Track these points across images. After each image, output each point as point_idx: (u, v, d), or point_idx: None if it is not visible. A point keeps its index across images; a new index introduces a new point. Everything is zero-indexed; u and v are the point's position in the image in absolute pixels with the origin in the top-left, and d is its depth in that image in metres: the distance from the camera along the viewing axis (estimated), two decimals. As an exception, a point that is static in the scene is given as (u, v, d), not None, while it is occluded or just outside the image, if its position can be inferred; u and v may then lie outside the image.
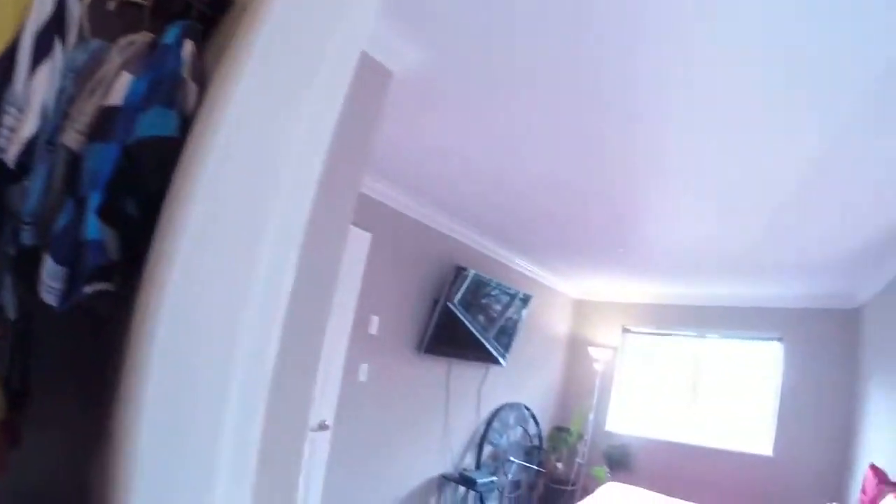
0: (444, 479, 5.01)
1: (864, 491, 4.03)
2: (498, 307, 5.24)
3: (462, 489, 5.21)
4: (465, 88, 2.49)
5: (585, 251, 5.23)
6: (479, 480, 4.82)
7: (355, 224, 3.74)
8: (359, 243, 3.82)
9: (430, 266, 4.58)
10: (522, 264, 5.95)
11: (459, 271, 4.56)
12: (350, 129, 1.95)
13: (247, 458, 0.97)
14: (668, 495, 5.20)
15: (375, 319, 4.07)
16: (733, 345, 6.73)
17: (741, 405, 6.65)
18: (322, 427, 3.62)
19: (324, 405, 3.66)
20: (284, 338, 1.22)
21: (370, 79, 2.11)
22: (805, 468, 5.82)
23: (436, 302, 4.53)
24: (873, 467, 4.11)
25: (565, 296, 7.32)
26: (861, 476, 4.49)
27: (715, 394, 6.78)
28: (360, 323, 3.91)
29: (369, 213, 3.93)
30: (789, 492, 5.81)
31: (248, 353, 0.97)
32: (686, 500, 5.14)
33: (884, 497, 3.32)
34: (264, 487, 1.55)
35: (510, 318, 5.48)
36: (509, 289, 5.32)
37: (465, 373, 5.23)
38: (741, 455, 6.28)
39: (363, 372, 4.03)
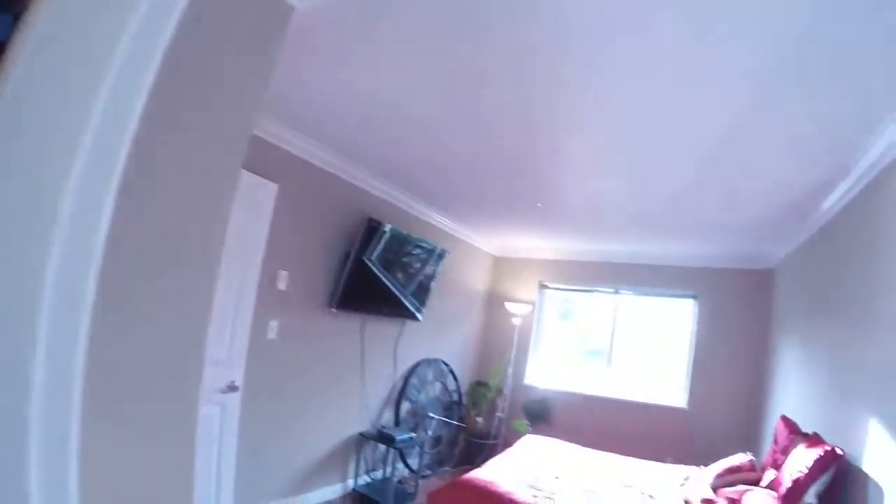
0: (363, 438, 4.96)
1: (775, 441, 4.23)
2: (415, 263, 5.18)
3: (382, 447, 5.21)
4: (374, 27, 2.35)
5: (503, 207, 5.21)
6: (398, 437, 4.80)
7: (261, 174, 3.57)
8: (264, 194, 3.65)
9: (341, 219, 4.43)
10: (440, 219, 5.89)
11: (373, 225, 4.44)
12: (239, 65, 1.80)
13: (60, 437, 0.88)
14: (587, 447, 5.35)
15: (284, 275, 3.92)
16: (649, 301, 6.97)
17: (657, 360, 6.94)
18: (231, 388, 3.48)
19: (233, 365, 3.52)
20: (161, 286, 1.11)
21: (266, 11, 1.95)
22: (718, 420, 6.14)
23: (347, 256, 4.40)
24: (784, 418, 4.31)
25: (484, 252, 7.35)
26: (773, 427, 4.73)
27: (631, 349, 7.03)
28: (267, 278, 3.76)
29: (276, 163, 3.75)
30: (704, 443, 6.09)
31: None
32: (605, 451, 5.32)
33: (795, 446, 3.49)
34: (149, 455, 1.45)
35: (427, 274, 5.43)
36: (426, 243, 5.26)
37: (381, 329, 5.16)
38: (657, 408, 6.55)
39: (273, 329, 3.89)
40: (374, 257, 4.54)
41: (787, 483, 3.07)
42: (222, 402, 3.46)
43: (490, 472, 3.89)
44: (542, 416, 6.87)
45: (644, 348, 7.03)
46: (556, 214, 5.19)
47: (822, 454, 2.86)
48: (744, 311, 6.15)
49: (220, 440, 3.48)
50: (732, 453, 4.63)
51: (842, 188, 3.37)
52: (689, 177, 3.66)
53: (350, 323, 4.71)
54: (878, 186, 2.90)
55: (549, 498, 3.53)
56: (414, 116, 3.29)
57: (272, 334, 3.89)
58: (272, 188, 3.70)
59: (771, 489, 3.55)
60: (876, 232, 2.87)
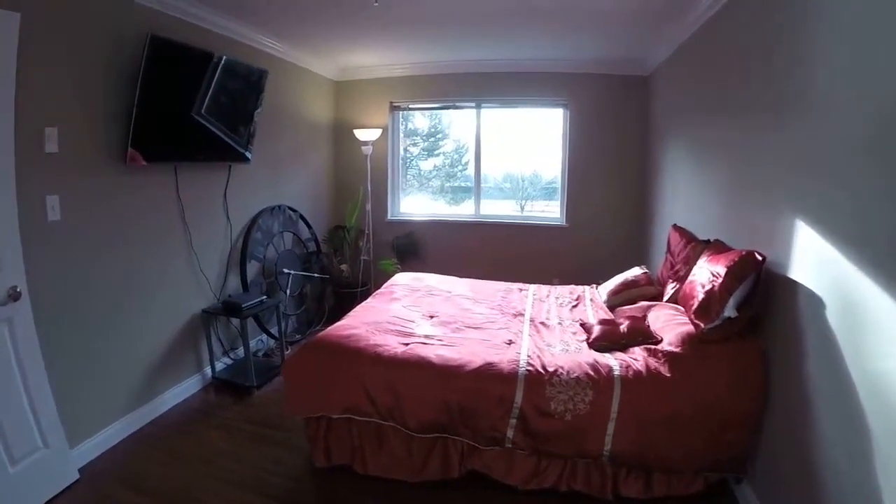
0: (208, 315, 4.57)
1: (669, 251, 4.28)
2: (226, 89, 4.44)
3: (236, 321, 4.87)
4: None
5: (331, 9, 4.50)
6: (245, 304, 4.44)
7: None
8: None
9: (117, 44, 3.59)
10: (253, 36, 5.09)
11: (158, 43, 3.64)
12: None
13: None
14: (465, 278, 5.26)
15: (53, 132, 3.16)
16: (515, 113, 6.86)
17: (528, 176, 7.05)
18: (13, 297, 2.87)
19: (5, 266, 2.88)
20: None
21: None
22: (601, 235, 6.38)
23: (134, 90, 3.61)
24: (676, 227, 4.37)
25: (321, 77, 6.70)
26: (662, 239, 4.82)
27: (500, 167, 7.09)
28: (28, 141, 3.02)
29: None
30: (589, 261, 6.32)
31: None
32: (484, 279, 5.25)
33: (698, 256, 3.46)
34: None
35: (247, 103, 4.77)
36: (237, 64, 4.53)
37: (201, 179, 4.56)
38: (535, 228, 6.61)
39: (53, 207, 3.20)
40: (167, 86, 3.82)
41: (698, 296, 3.03)
42: (7, 316, 2.87)
43: (351, 324, 3.66)
44: (411, 250, 6.76)
45: (513, 164, 7.08)
46: (399, 13, 4.56)
47: (738, 260, 2.79)
48: (619, 120, 6.22)
49: (20, 366, 2.94)
50: (620, 269, 4.73)
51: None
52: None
53: (158, 177, 4.06)
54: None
55: (425, 344, 3.36)
56: None
57: (54, 214, 3.22)
58: (11, 18, 2.86)
59: (675, 304, 3.56)
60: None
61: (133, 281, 3.87)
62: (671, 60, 5.07)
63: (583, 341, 3.45)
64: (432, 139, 7.39)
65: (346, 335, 3.42)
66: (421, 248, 6.82)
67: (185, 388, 4.41)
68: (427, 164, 7.45)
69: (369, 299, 4.53)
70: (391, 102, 6.93)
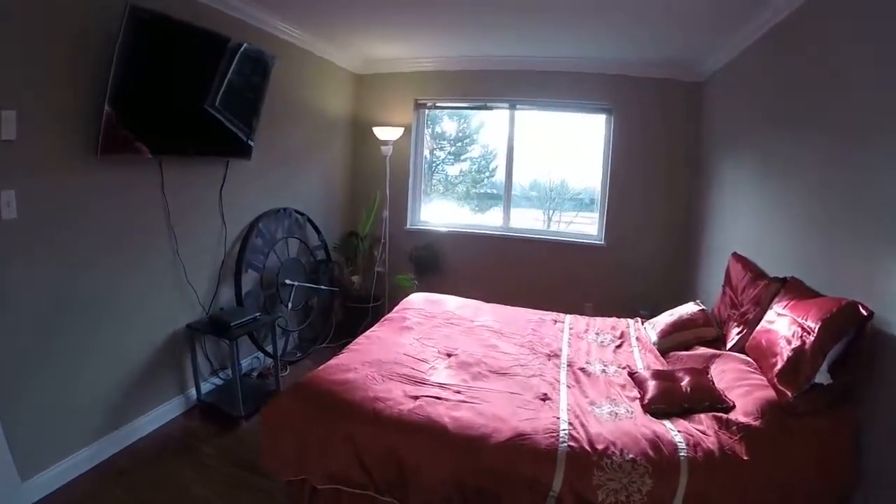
0: (192, 331, 4.08)
1: (729, 284, 3.76)
2: (225, 72, 3.91)
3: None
4: None
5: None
6: (234, 322, 3.94)
7: None
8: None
9: (85, 11, 3.06)
10: (272, 22, 4.63)
11: (140, 16, 3.07)
12: None
13: None
14: (485, 300, 4.77)
15: (10, 116, 2.68)
16: (554, 117, 6.32)
17: (564, 188, 6.58)
18: None
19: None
20: None
21: None
22: (643, 258, 5.85)
23: (110, 66, 3.03)
24: (738, 257, 3.87)
25: (342, 69, 6.19)
26: (714, 267, 4.43)
27: (528, 172, 6.58)
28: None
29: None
30: (628, 286, 5.84)
31: None
32: (507, 303, 4.74)
33: (772, 297, 2.96)
34: None
35: (251, 88, 4.24)
36: (246, 46, 4.00)
37: (192, 174, 4.04)
38: (568, 245, 6.08)
39: (8, 203, 2.72)
40: (151, 65, 3.29)
41: (782, 353, 2.50)
42: None
43: (349, 364, 3.11)
44: (430, 264, 6.23)
45: (549, 174, 6.59)
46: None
47: (835, 312, 2.26)
48: (667, 129, 5.68)
49: None
50: (664, 297, 4.22)
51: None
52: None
53: (139, 171, 3.56)
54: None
55: (439, 399, 2.79)
56: None
57: (9, 212, 2.75)
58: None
59: (742, 353, 3.05)
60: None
61: (105, 290, 3.39)
62: (734, 64, 4.54)
63: (634, 399, 2.88)
64: (459, 143, 6.91)
65: (341, 381, 2.86)
66: (441, 262, 6.29)
67: (164, 412, 3.94)
68: (454, 170, 6.98)
69: (377, 327, 3.99)
70: (416, 100, 6.41)
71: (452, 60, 6.00)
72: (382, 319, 4.18)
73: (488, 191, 6.81)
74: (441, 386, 2.93)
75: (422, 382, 2.97)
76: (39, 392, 2.99)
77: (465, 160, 6.93)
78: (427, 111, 6.57)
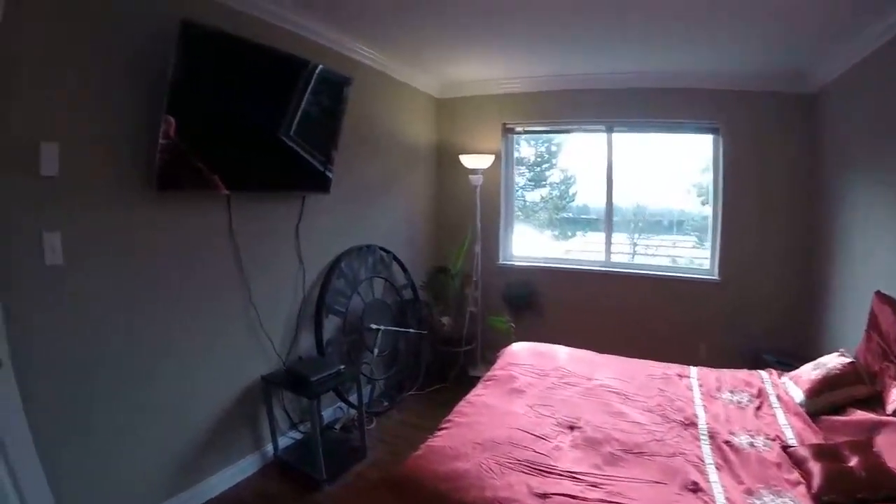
0: (267, 383, 3.72)
1: (877, 331, 3.13)
2: (295, 95, 3.58)
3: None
4: None
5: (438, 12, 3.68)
6: (315, 378, 3.54)
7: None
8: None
9: (138, 30, 2.77)
10: (347, 43, 4.34)
11: (193, 32, 2.74)
12: None
13: None
14: (588, 343, 4.28)
15: (51, 149, 2.42)
16: (655, 140, 5.74)
17: (670, 217, 6.04)
18: None
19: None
20: None
21: None
22: (762, 294, 5.14)
23: (172, 91, 2.74)
24: (885, 298, 3.23)
25: (421, 93, 5.85)
26: (850, 305, 3.89)
27: (634, 205, 5.99)
28: (16, 160, 2.30)
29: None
30: (745, 326, 5.13)
31: None
32: (613, 346, 4.25)
33: None
34: None
35: (332, 119, 3.94)
36: (329, 72, 3.73)
37: (265, 212, 3.74)
38: (680, 281, 5.49)
39: (53, 248, 2.45)
40: (215, 90, 2.99)
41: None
42: None
43: (456, 447, 2.59)
44: (525, 303, 5.71)
45: (652, 203, 5.97)
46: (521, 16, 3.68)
47: None
48: (780, 148, 4.99)
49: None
50: (787, 340, 3.60)
51: None
52: None
53: (202, 209, 3.26)
54: None
55: (573, 497, 2.21)
56: None
57: (54, 257, 2.47)
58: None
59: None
60: None
61: (169, 342, 3.09)
62: (855, 73, 3.94)
63: (796, 484, 2.27)
64: (538, 168, 6.45)
65: (450, 474, 2.35)
66: (537, 300, 5.76)
67: (239, 470, 3.59)
68: (533, 195, 6.51)
69: (481, 389, 3.45)
70: (504, 124, 5.97)
71: (541, 80, 5.55)
72: (486, 378, 3.66)
73: (570, 215, 6.38)
74: (572, 477, 2.36)
75: (548, 472, 2.40)
76: (92, 452, 2.69)
77: (544, 185, 6.48)
78: (514, 136, 6.13)
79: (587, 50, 4.56)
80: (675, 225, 5.98)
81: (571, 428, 2.85)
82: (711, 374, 3.70)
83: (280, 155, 3.59)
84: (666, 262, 5.85)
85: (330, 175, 4.05)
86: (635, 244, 6.00)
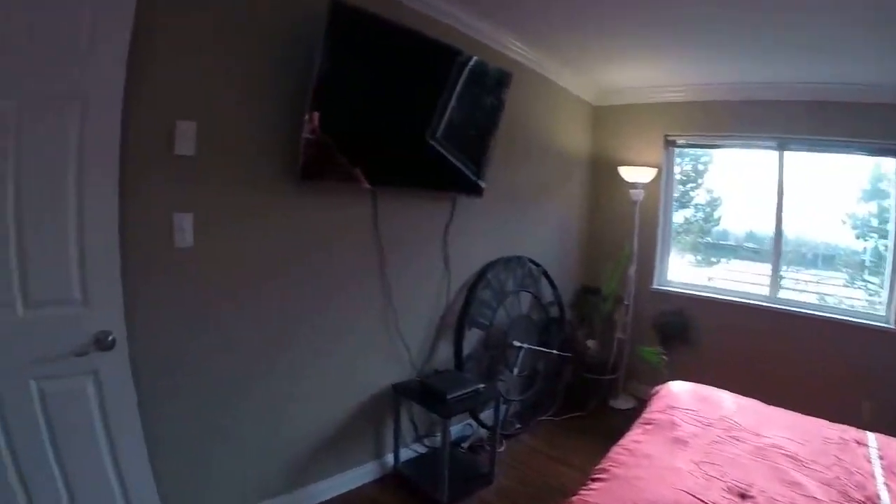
0: (398, 393, 3.54)
1: None
2: (448, 86, 3.38)
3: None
4: None
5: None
6: (452, 395, 3.30)
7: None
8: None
9: (284, 16, 2.68)
10: (500, 38, 4.08)
11: (342, 11, 2.59)
12: None
13: None
14: (746, 386, 3.76)
15: (188, 129, 2.34)
16: (831, 160, 4.94)
17: (815, 250, 5.29)
18: (101, 344, 2.05)
19: (93, 304, 2.07)
20: None
21: None
22: None
23: (318, 83, 2.62)
24: None
25: (577, 98, 5.46)
26: None
27: (806, 233, 5.27)
28: (151, 137, 2.23)
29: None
30: None
31: None
32: (770, 392, 3.70)
33: None
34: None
35: (482, 111, 3.68)
36: (483, 65, 3.51)
37: (412, 211, 3.58)
38: (845, 325, 4.68)
39: (183, 229, 2.38)
40: (361, 74, 2.84)
41: None
42: (91, 368, 2.09)
43: None
44: (678, 333, 5.12)
45: (824, 234, 5.22)
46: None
47: None
48: None
49: (108, 434, 2.17)
50: None
51: None
52: None
53: (347, 202, 3.14)
54: None
55: None
56: None
57: (184, 240, 2.39)
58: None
59: None
60: None
61: (295, 337, 2.99)
62: None
63: None
64: (682, 187, 5.90)
65: None
66: (691, 333, 5.18)
67: (352, 478, 3.43)
68: (677, 216, 5.94)
69: (639, 433, 2.97)
70: (665, 136, 5.47)
71: (707, 89, 5.02)
72: (644, 420, 3.16)
73: (714, 241, 5.87)
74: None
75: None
76: (200, 443, 2.65)
77: (688, 206, 5.94)
78: (677, 149, 5.62)
79: (755, 52, 3.99)
80: (822, 259, 5.28)
81: (743, 496, 2.36)
82: (892, 443, 3.07)
83: (426, 157, 3.40)
84: (812, 299, 5.10)
85: (482, 183, 3.83)
86: (781, 277, 5.32)
